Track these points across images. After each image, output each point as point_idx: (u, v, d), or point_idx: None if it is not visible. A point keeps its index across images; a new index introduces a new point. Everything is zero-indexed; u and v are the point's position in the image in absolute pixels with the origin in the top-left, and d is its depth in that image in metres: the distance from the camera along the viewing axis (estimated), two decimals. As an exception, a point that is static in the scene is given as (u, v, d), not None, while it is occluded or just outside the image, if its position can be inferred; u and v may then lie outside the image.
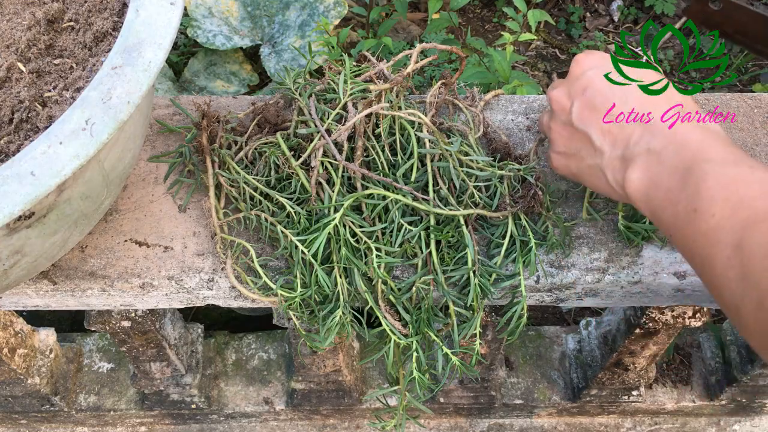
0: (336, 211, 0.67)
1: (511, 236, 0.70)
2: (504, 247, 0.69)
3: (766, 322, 0.42)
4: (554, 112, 0.62)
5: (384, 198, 0.68)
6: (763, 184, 0.47)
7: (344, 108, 0.71)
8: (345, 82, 0.72)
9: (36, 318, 1.64)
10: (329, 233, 0.67)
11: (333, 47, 1.44)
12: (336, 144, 0.70)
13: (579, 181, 0.64)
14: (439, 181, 0.70)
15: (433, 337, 0.70)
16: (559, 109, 0.61)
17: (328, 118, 0.72)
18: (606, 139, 0.57)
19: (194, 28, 1.73)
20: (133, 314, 0.97)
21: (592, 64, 0.60)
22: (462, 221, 0.69)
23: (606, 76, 0.59)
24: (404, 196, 0.68)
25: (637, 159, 0.54)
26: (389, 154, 0.72)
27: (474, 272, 0.68)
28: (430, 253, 0.69)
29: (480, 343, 0.72)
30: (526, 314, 0.70)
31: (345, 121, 0.70)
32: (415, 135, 0.70)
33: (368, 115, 0.74)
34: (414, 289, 0.69)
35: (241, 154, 0.73)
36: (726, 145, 0.52)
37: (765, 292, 0.42)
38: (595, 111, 0.58)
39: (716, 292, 0.47)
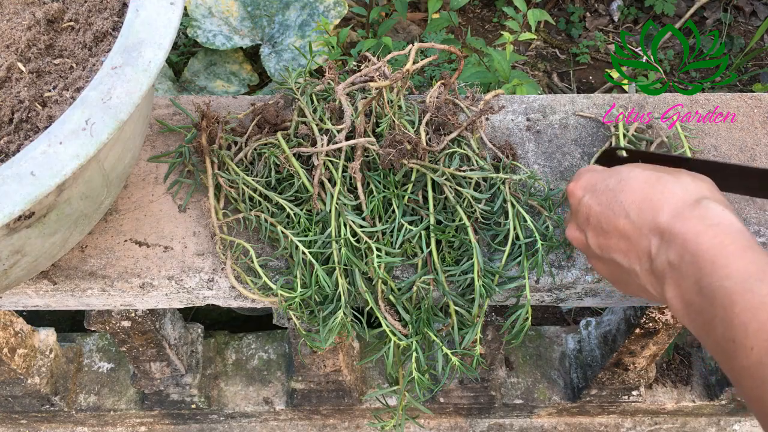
0: (337, 212, 0.67)
1: (516, 237, 0.70)
2: (507, 252, 0.69)
3: None
4: (579, 249, 0.61)
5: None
6: None
7: (341, 107, 0.71)
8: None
9: (36, 318, 1.64)
10: (330, 233, 0.67)
11: (333, 47, 1.44)
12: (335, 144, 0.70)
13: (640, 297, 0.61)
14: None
15: (433, 337, 0.70)
16: (580, 246, 0.59)
17: (327, 118, 0.72)
18: (630, 258, 0.54)
19: (194, 28, 1.73)
20: (133, 314, 0.97)
21: (583, 189, 0.58)
22: (467, 223, 0.69)
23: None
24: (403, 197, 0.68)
25: (665, 275, 0.50)
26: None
27: (478, 274, 0.68)
28: (431, 252, 0.69)
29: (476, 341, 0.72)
30: (530, 317, 0.70)
31: (344, 120, 0.70)
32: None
33: (368, 115, 0.74)
34: (414, 288, 0.69)
35: (241, 154, 0.73)
36: (742, 250, 0.47)
37: None
38: (606, 235, 0.55)
39: None
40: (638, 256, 0.53)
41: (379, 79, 0.74)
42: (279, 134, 0.73)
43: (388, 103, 0.71)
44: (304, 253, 0.67)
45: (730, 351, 0.44)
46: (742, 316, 0.43)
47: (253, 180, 0.71)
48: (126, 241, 0.73)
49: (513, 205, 0.70)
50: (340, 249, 0.67)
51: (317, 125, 0.72)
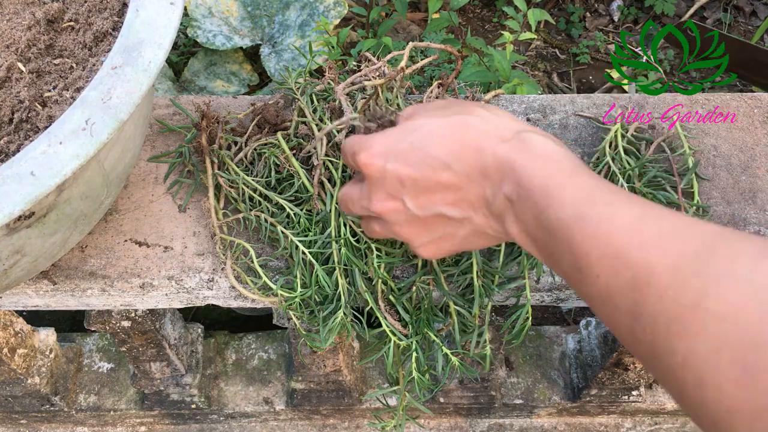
0: (337, 212, 0.67)
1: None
2: (502, 251, 0.69)
3: (693, 413, 0.37)
4: (388, 219, 0.55)
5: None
6: (629, 228, 0.42)
7: (341, 107, 0.71)
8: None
9: (36, 318, 1.64)
10: (330, 233, 0.67)
11: (333, 47, 1.44)
12: (336, 144, 0.70)
13: (461, 251, 0.57)
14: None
15: (433, 337, 0.70)
16: (394, 213, 0.54)
17: (327, 118, 0.72)
18: (462, 207, 0.51)
19: (194, 28, 1.73)
20: (133, 314, 0.97)
21: (381, 157, 0.53)
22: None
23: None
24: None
25: (505, 213, 0.49)
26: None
27: (477, 274, 0.68)
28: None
29: (478, 341, 0.72)
30: (530, 317, 0.70)
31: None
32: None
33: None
34: (414, 288, 0.69)
35: (241, 154, 0.73)
36: (570, 175, 0.46)
37: (682, 382, 0.37)
38: (430, 192, 0.51)
39: (637, 357, 0.43)
40: (472, 204, 0.51)
41: (378, 78, 0.74)
42: (279, 134, 0.73)
43: (386, 102, 0.71)
44: (304, 253, 0.67)
45: (579, 280, 0.44)
46: (583, 246, 0.43)
47: (253, 180, 0.71)
48: (126, 241, 0.73)
49: (513, 205, 0.70)
50: (340, 249, 0.67)
51: (317, 125, 0.72)
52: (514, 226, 0.48)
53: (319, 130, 0.72)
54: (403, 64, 0.69)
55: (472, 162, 0.49)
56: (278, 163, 0.71)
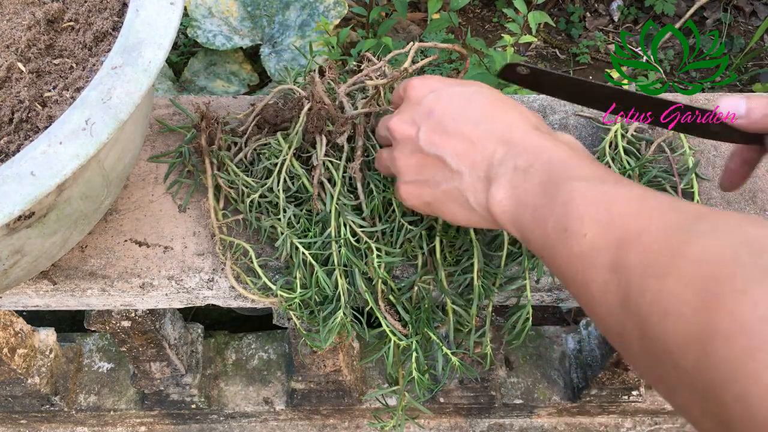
0: (337, 212, 0.67)
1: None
2: (504, 253, 0.69)
3: (649, 351, 0.38)
4: (398, 141, 0.58)
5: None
6: (630, 200, 0.44)
7: (342, 107, 0.71)
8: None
9: (36, 318, 1.64)
10: (330, 233, 0.67)
11: (333, 47, 1.44)
12: (336, 144, 0.70)
13: (434, 211, 0.59)
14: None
15: (433, 337, 0.70)
16: (404, 138, 0.57)
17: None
18: (463, 160, 0.53)
19: (194, 28, 1.73)
20: (133, 314, 0.97)
21: (431, 88, 0.57)
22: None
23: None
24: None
25: (500, 178, 0.51)
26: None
27: (477, 274, 0.68)
28: (431, 252, 0.69)
29: (478, 342, 0.72)
30: (531, 317, 0.70)
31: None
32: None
33: (368, 114, 0.74)
34: (414, 288, 0.69)
35: (241, 155, 0.73)
36: (591, 162, 0.50)
37: (646, 318, 0.38)
38: (446, 134, 0.54)
39: (597, 318, 0.44)
40: (473, 161, 0.53)
41: (379, 78, 0.74)
42: (279, 134, 0.73)
43: (388, 102, 0.71)
44: (303, 253, 0.67)
45: (561, 240, 0.45)
46: (581, 208, 0.45)
47: (252, 181, 0.71)
48: (126, 241, 0.73)
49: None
50: (339, 249, 0.67)
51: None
52: (502, 190, 0.51)
53: (320, 132, 0.72)
54: (406, 64, 0.69)
55: (498, 130, 0.53)
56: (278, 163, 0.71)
